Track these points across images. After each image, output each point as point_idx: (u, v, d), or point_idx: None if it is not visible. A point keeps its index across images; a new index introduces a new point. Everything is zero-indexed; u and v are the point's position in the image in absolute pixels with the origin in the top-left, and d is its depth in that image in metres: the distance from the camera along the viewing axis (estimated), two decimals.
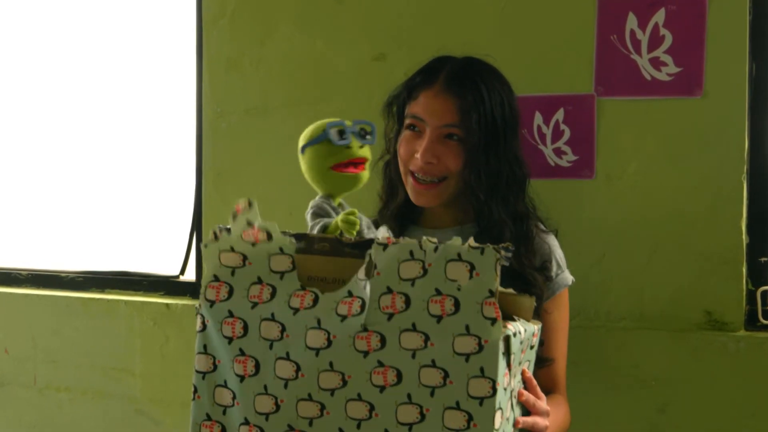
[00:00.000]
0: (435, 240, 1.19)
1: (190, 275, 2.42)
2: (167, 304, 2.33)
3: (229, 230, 1.27)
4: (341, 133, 1.32)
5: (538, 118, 1.93)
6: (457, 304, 1.15)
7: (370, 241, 1.21)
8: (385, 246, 1.19)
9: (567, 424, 1.61)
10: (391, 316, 1.17)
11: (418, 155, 1.56)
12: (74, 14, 2.66)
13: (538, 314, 1.54)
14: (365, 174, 1.37)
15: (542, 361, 1.56)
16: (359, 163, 1.35)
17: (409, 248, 1.18)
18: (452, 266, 1.16)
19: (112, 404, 2.39)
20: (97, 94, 2.64)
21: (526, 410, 1.32)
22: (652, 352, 1.86)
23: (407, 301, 1.17)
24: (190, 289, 2.38)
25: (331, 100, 2.11)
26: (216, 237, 1.27)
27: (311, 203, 1.33)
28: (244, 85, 2.22)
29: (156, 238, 2.57)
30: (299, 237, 1.26)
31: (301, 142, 1.36)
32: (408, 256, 1.18)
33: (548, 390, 1.58)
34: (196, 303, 1.32)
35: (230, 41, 2.24)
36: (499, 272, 1.15)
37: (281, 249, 1.24)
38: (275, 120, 2.19)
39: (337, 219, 1.28)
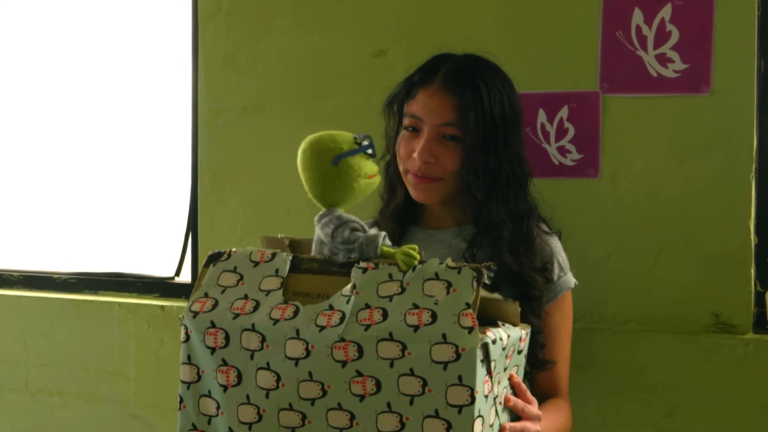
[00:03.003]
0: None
1: (185, 276, 2.39)
2: (162, 306, 2.30)
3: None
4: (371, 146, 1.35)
5: (541, 116, 1.90)
6: (434, 316, 1.17)
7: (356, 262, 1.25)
8: (364, 270, 1.23)
9: (568, 428, 1.60)
10: (368, 327, 1.18)
11: (415, 155, 1.55)
12: (69, 11, 2.64)
13: (539, 316, 1.54)
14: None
15: (543, 364, 1.56)
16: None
17: (387, 271, 1.23)
18: (429, 284, 1.20)
19: (105, 409, 2.36)
20: (91, 92, 2.62)
21: (516, 415, 1.32)
22: (658, 355, 1.83)
23: (384, 314, 1.19)
24: (185, 291, 2.35)
25: (330, 98, 2.09)
26: (228, 256, 1.31)
27: (335, 220, 1.28)
28: (241, 82, 2.20)
29: (151, 238, 2.56)
30: (293, 258, 1.29)
31: (330, 152, 1.30)
32: (386, 278, 1.22)
33: (550, 394, 1.59)
34: None
35: (226, 37, 2.21)
36: (477, 288, 1.17)
37: (276, 271, 1.28)
38: (272, 118, 2.16)
39: (399, 251, 1.25)
